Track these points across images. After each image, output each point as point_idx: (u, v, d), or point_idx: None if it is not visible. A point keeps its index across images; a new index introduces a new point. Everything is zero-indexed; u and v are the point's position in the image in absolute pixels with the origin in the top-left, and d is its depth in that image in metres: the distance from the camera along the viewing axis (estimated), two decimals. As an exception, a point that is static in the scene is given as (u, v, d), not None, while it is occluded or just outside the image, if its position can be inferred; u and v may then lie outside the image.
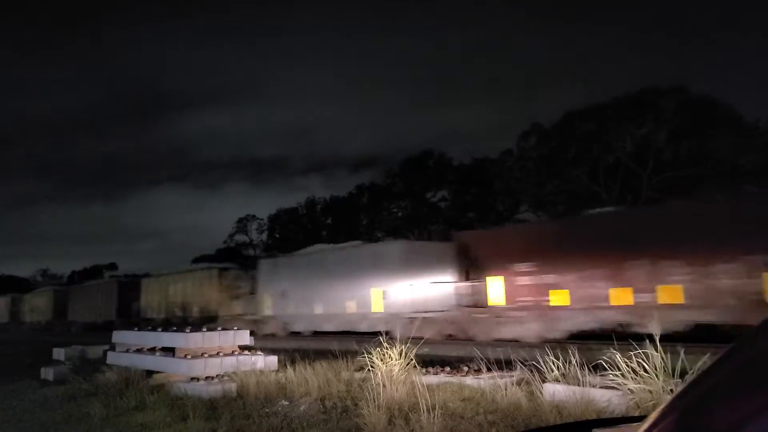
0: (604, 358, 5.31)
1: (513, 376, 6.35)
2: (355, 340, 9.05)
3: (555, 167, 27.35)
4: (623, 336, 7.38)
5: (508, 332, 14.09)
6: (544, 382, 5.82)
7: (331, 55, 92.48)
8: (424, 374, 7.01)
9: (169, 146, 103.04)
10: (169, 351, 9.08)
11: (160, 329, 10.47)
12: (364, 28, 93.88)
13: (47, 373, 10.14)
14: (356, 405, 5.83)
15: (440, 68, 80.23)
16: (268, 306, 21.61)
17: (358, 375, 7.33)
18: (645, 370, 4.95)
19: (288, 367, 8.07)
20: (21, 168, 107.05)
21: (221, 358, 8.53)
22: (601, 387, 5.28)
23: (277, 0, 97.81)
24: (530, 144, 30.20)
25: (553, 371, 5.95)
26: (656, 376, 4.88)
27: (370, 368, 6.61)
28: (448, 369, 8.02)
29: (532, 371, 6.02)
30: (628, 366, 5.09)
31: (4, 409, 7.28)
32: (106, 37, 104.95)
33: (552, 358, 6.01)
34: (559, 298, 13.70)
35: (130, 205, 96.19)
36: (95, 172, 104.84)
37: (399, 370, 6.38)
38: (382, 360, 6.50)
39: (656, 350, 4.97)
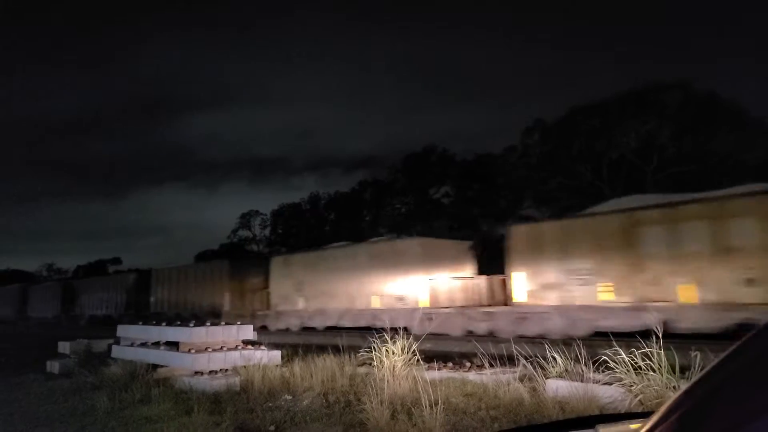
0: (608, 354, 5.32)
1: (515, 372, 6.36)
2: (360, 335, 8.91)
3: (558, 163, 27.28)
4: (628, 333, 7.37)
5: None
6: (546, 378, 5.83)
7: (331, 56, 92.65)
8: (427, 369, 7.04)
9: (170, 146, 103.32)
10: (174, 345, 9.13)
11: (164, 323, 10.53)
12: (364, 29, 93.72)
13: (53, 366, 10.21)
14: (359, 400, 5.85)
15: (441, 68, 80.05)
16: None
17: (361, 370, 7.37)
18: (650, 367, 4.95)
19: (291, 361, 8.11)
20: (26, 166, 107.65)
21: (225, 352, 8.57)
22: (604, 384, 5.29)
23: (276, 3, 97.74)
24: (533, 140, 30.14)
25: (555, 367, 5.97)
26: (660, 373, 4.88)
27: (374, 363, 6.64)
28: (450, 364, 8.05)
29: (534, 367, 6.03)
30: (631, 363, 5.10)
31: (9, 402, 7.34)
32: (110, 39, 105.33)
33: (555, 354, 6.02)
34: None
35: (132, 203, 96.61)
36: (99, 170, 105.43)
37: (402, 366, 6.41)
38: (385, 355, 6.53)
39: (660, 347, 4.98)
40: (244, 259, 27.68)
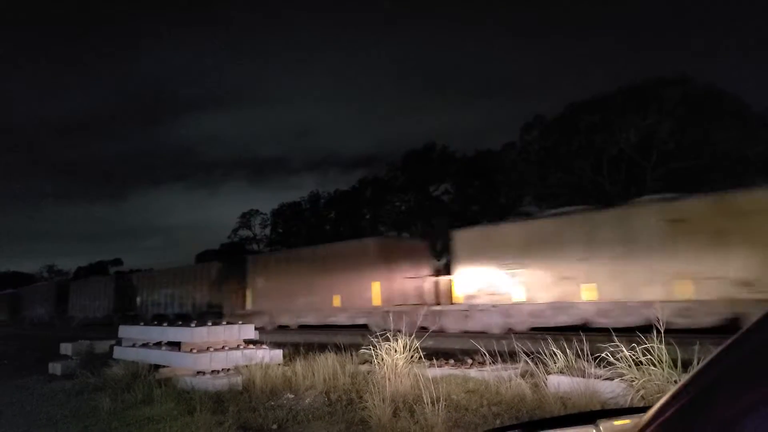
0: (609, 349, 5.33)
1: (517, 368, 6.37)
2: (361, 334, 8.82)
3: (558, 159, 27.26)
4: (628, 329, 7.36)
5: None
6: (548, 373, 5.84)
7: (331, 56, 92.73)
8: (429, 367, 7.04)
9: (170, 146, 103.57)
10: (175, 345, 9.15)
11: (165, 324, 10.55)
12: (364, 29, 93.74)
13: (55, 368, 10.23)
14: (361, 398, 5.87)
15: (440, 66, 79.96)
16: None
17: (363, 368, 7.38)
18: (651, 362, 4.96)
19: (293, 360, 8.13)
20: (26, 167, 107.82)
21: (226, 352, 8.59)
22: (605, 379, 5.30)
23: (276, 3, 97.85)
24: (533, 136, 30.11)
25: (557, 363, 5.97)
26: (661, 367, 4.89)
27: (375, 361, 6.65)
28: (452, 361, 8.05)
29: (536, 363, 6.04)
30: (633, 358, 5.10)
31: (12, 403, 7.36)
32: (110, 40, 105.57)
33: (556, 349, 6.03)
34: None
35: (133, 204, 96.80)
36: (99, 171, 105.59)
37: (403, 363, 6.41)
38: (386, 353, 6.53)
39: (661, 342, 4.98)
40: (397, 237, 21.23)
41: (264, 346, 9.21)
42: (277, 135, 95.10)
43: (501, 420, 5.01)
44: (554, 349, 6.03)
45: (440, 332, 13.81)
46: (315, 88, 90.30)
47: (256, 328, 9.60)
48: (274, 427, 5.39)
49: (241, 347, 8.94)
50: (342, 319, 17.65)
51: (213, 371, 8.13)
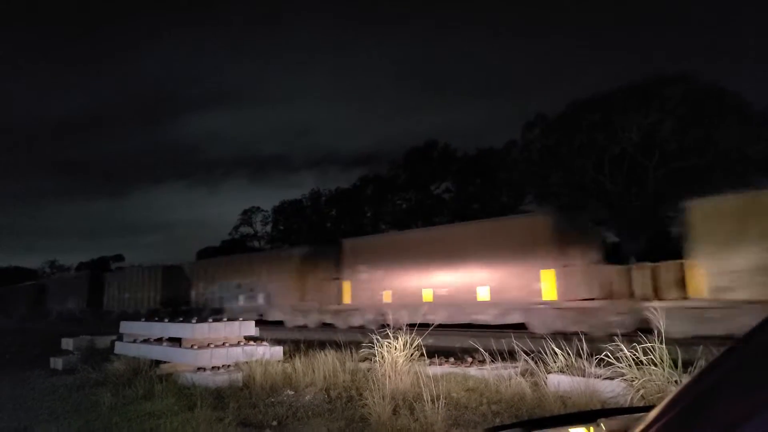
0: (609, 349, 5.33)
1: (517, 367, 6.38)
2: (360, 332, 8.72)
3: (560, 158, 27.20)
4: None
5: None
6: (548, 372, 5.84)
7: (331, 56, 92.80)
8: (429, 365, 7.05)
9: (171, 144, 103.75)
10: (176, 341, 9.17)
11: (166, 319, 10.57)
12: (364, 28, 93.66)
13: (56, 362, 10.26)
14: (361, 395, 5.88)
15: (441, 65, 79.87)
16: None
17: (363, 365, 7.39)
18: (651, 362, 4.96)
19: (293, 357, 8.14)
20: (29, 165, 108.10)
21: (227, 348, 8.61)
22: (606, 378, 5.30)
23: (277, 3, 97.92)
24: (534, 135, 30.03)
25: (557, 362, 5.98)
26: (662, 367, 4.89)
27: (375, 359, 6.66)
28: (452, 360, 8.06)
29: (536, 362, 6.05)
30: (633, 357, 5.11)
31: (14, 397, 7.38)
32: (112, 41, 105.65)
33: (556, 349, 6.04)
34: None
35: (133, 202, 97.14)
36: (99, 170, 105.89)
37: (403, 361, 6.42)
38: (387, 350, 6.54)
39: (662, 342, 4.99)
40: (570, 211, 16.84)
41: (264, 343, 9.23)
42: (277, 134, 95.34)
43: (501, 418, 5.02)
44: (554, 348, 6.04)
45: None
46: (315, 88, 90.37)
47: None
48: (274, 423, 5.40)
49: (242, 344, 8.96)
50: (488, 317, 14.17)
51: (213, 367, 8.16)
